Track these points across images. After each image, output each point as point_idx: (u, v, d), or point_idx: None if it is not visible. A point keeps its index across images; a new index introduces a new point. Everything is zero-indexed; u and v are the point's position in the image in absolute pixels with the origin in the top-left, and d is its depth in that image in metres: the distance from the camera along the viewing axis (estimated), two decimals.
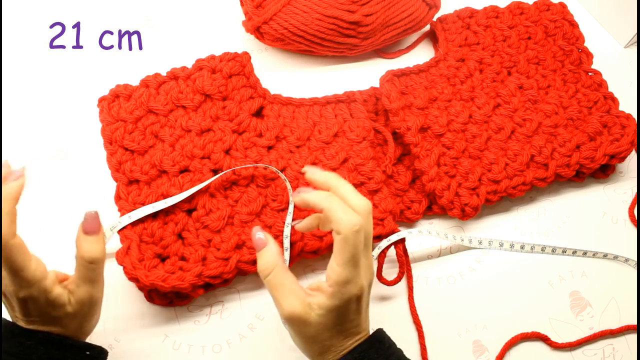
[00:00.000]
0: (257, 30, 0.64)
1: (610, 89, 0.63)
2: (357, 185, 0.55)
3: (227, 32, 0.69)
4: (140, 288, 0.52)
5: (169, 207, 0.53)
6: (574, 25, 0.66)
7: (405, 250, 0.55)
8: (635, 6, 0.68)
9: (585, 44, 0.66)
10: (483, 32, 0.65)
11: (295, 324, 0.42)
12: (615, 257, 0.58)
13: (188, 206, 0.54)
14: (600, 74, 0.64)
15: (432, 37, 0.70)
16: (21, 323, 0.41)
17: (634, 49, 0.72)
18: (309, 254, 0.53)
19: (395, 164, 0.59)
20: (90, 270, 0.41)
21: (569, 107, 0.61)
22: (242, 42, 0.69)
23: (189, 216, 0.53)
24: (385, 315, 0.55)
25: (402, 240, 0.54)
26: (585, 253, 0.58)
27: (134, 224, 0.52)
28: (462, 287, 0.56)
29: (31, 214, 0.57)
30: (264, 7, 0.63)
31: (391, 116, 0.58)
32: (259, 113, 0.59)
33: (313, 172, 0.45)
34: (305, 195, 0.43)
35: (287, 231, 0.52)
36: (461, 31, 0.66)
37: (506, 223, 0.60)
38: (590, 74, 0.64)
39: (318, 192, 0.43)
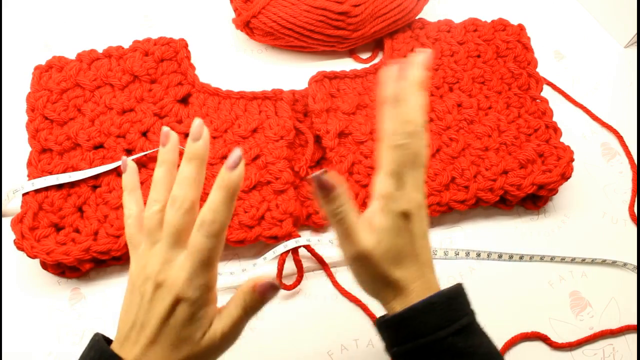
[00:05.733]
0: (247, 26, 0.64)
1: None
2: (264, 184, 0.54)
3: (226, 32, 0.69)
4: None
5: (76, 180, 0.53)
6: (528, 49, 0.63)
7: (315, 254, 0.54)
8: (635, 6, 0.66)
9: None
10: (431, 45, 0.63)
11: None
12: (614, 262, 0.57)
13: (94, 182, 0.54)
14: (547, 101, 0.61)
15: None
16: None
17: (634, 49, 0.71)
18: (234, 242, 0.53)
19: (313, 167, 0.58)
20: None
21: (505, 132, 0.58)
22: (242, 42, 0.68)
23: (94, 191, 0.54)
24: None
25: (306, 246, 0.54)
26: (583, 260, 0.57)
27: (37, 190, 0.53)
28: None
29: None
30: (252, 1, 0.62)
31: (313, 117, 0.58)
32: (185, 100, 0.60)
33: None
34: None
35: None
36: (409, 41, 0.64)
37: (506, 223, 0.59)
38: (537, 100, 0.61)
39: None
